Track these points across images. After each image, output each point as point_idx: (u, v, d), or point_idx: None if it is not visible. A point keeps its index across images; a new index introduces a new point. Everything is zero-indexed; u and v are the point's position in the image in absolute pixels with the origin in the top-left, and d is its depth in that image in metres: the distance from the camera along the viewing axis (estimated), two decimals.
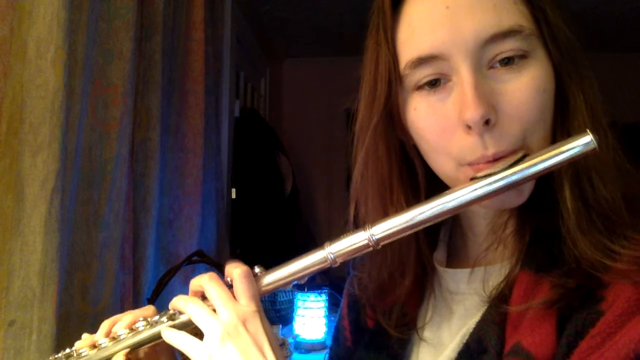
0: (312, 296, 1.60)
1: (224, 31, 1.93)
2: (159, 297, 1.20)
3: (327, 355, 0.75)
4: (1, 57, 0.82)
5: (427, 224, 0.49)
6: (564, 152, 0.44)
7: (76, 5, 0.89)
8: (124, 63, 1.05)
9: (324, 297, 1.62)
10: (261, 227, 2.21)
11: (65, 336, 0.87)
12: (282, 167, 2.52)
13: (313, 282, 2.05)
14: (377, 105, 0.53)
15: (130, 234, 1.13)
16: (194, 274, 1.50)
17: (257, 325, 0.50)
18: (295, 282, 0.54)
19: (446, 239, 0.64)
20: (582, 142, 0.44)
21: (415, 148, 0.56)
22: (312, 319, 1.59)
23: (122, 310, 1.08)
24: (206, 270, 1.58)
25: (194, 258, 1.32)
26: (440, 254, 0.63)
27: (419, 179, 0.57)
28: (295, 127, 3.12)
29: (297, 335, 1.60)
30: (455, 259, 0.62)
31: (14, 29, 0.83)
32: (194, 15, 1.51)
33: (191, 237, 1.48)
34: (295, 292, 1.65)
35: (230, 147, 2.04)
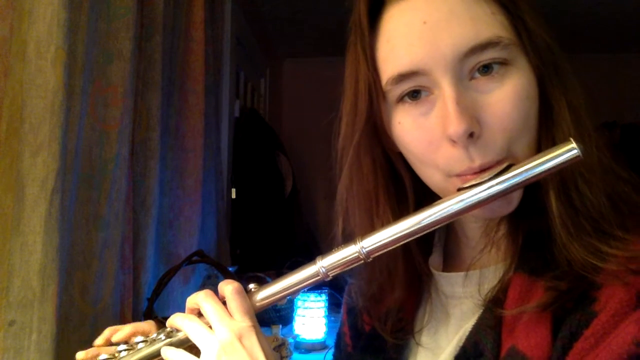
0: (312, 296, 1.60)
1: (224, 31, 1.93)
2: (159, 297, 1.20)
3: (327, 357, 0.75)
4: (1, 57, 0.82)
5: (417, 236, 0.49)
6: (548, 161, 0.45)
7: (76, 5, 0.89)
8: (124, 63, 1.05)
9: (324, 297, 1.62)
10: (261, 227, 2.21)
11: (65, 336, 0.87)
12: (282, 167, 2.53)
13: None
14: (359, 121, 0.54)
15: (130, 234, 1.14)
16: (194, 274, 1.50)
17: (252, 341, 0.50)
18: (290, 297, 0.54)
19: (441, 243, 0.64)
20: (566, 152, 0.44)
21: (401, 157, 0.56)
22: (312, 319, 1.59)
23: (121, 310, 1.08)
24: (206, 270, 1.58)
25: (194, 258, 1.32)
26: (435, 259, 0.63)
27: (407, 190, 0.57)
28: (295, 127, 3.12)
29: (297, 335, 1.60)
30: (450, 263, 0.62)
31: (14, 29, 0.83)
32: (194, 15, 1.51)
33: (191, 237, 1.48)
34: None
35: (230, 147, 2.04)
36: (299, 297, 1.62)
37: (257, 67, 2.79)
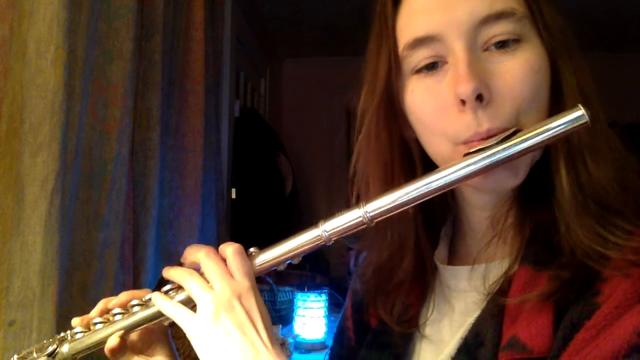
0: (312, 296, 1.60)
1: (224, 31, 1.93)
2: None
3: (327, 356, 0.75)
4: (1, 57, 0.82)
5: (421, 200, 0.49)
6: (556, 127, 0.44)
7: (76, 5, 0.89)
8: (124, 63, 1.05)
9: (324, 297, 1.62)
10: (261, 227, 2.21)
11: None
12: (282, 167, 2.52)
13: (313, 282, 2.05)
14: (379, 87, 0.55)
15: (130, 234, 1.14)
16: None
17: (251, 301, 0.50)
18: (289, 262, 0.54)
19: (448, 237, 0.64)
20: (573, 117, 0.44)
21: (417, 143, 0.57)
22: (312, 319, 1.59)
23: None
24: None
25: None
26: (441, 252, 0.63)
27: (417, 169, 0.59)
28: (295, 127, 3.12)
29: (297, 335, 1.60)
30: (456, 257, 0.62)
31: (14, 29, 0.83)
32: (194, 15, 1.51)
33: (191, 237, 1.48)
34: (295, 292, 1.65)
35: (230, 147, 2.04)
36: (298, 297, 1.62)
37: (257, 67, 2.79)
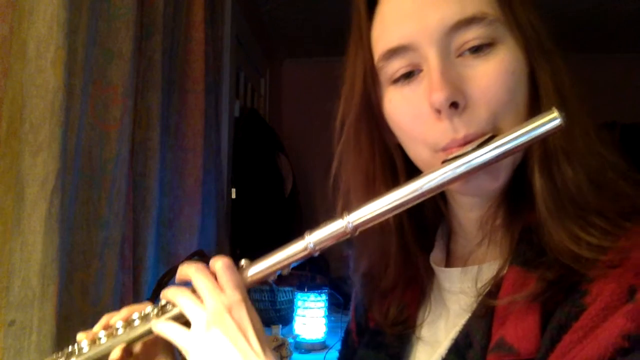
0: (312, 296, 1.60)
1: (224, 31, 1.93)
2: (158, 298, 1.20)
3: (327, 357, 0.76)
4: (1, 57, 0.82)
5: (402, 209, 0.50)
6: (531, 130, 0.45)
7: (76, 5, 0.89)
8: (124, 63, 1.05)
9: (324, 297, 1.62)
10: (261, 227, 2.21)
11: (65, 336, 0.87)
12: (282, 167, 2.52)
13: (313, 282, 2.05)
14: (356, 99, 0.56)
15: (130, 234, 1.14)
16: None
17: (242, 313, 0.51)
18: (279, 272, 0.55)
19: (444, 239, 0.65)
20: (548, 120, 0.44)
21: (399, 148, 0.57)
22: (312, 319, 1.59)
23: None
24: None
25: (194, 258, 1.32)
26: (437, 255, 0.63)
27: (400, 177, 0.59)
28: (295, 127, 3.12)
29: (297, 335, 1.60)
30: (451, 260, 0.63)
31: (14, 29, 0.83)
32: (194, 15, 1.51)
33: (191, 237, 1.48)
34: (295, 292, 1.65)
35: (230, 147, 2.04)
36: (298, 297, 1.62)
37: (257, 67, 2.79)
